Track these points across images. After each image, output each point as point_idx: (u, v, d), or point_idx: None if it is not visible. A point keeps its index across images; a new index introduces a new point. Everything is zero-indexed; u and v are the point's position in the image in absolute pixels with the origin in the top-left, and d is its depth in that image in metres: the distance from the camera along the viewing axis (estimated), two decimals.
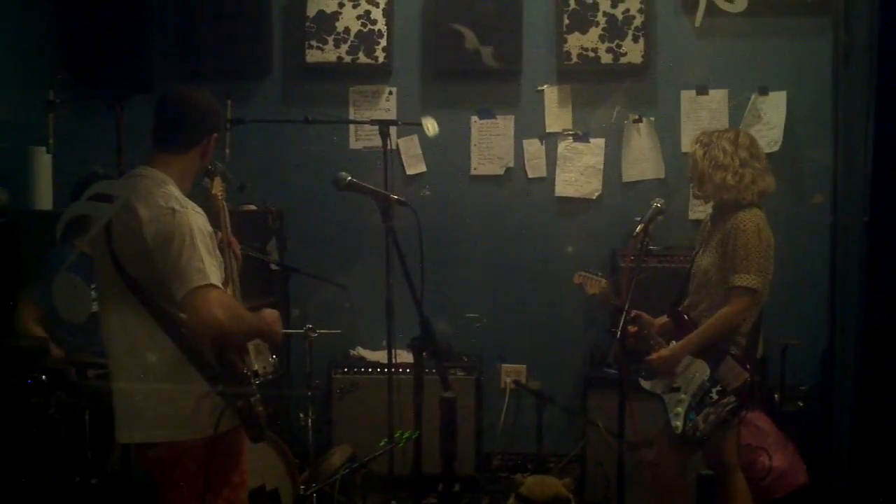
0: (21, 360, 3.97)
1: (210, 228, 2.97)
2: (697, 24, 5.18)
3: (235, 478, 3.07)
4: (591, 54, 5.35)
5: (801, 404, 4.96)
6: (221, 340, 2.86)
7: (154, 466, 3.01)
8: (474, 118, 5.50)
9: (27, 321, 4.30)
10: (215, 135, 3.12)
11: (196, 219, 2.90)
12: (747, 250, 3.92)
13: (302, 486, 4.20)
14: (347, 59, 5.38)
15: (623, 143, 5.47)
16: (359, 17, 5.36)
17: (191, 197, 3.00)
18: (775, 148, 5.24)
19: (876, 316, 3.47)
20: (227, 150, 4.49)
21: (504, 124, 5.50)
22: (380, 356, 5.04)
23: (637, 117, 5.45)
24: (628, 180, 5.48)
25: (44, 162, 5.05)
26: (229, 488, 3.03)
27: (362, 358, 5.29)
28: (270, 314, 3.07)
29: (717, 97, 5.41)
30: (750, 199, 4.00)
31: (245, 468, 3.13)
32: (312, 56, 5.39)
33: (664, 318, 4.19)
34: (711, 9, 5.14)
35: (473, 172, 5.52)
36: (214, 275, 2.83)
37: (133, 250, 2.89)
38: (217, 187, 3.35)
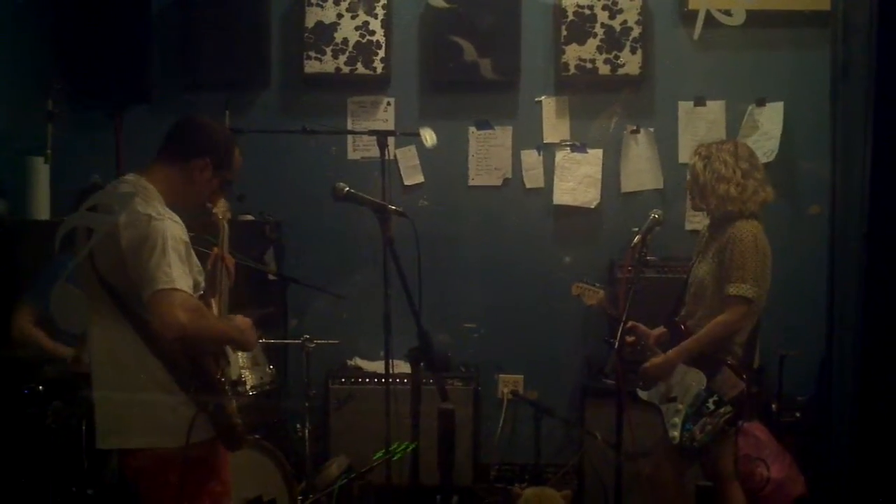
0: (18, 370, 3.97)
1: (186, 238, 2.97)
2: (696, 37, 5.17)
3: (216, 487, 3.05)
4: (589, 65, 5.36)
5: (798, 415, 4.95)
6: (185, 343, 2.86)
7: (134, 474, 3.01)
8: (472, 129, 5.50)
9: (25, 330, 4.30)
10: (207, 159, 3.09)
11: (172, 227, 2.91)
12: (744, 260, 3.92)
13: (299, 497, 4.19)
14: (346, 69, 5.38)
15: (621, 154, 5.47)
16: (357, 28, 5.37)
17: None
18: (771, 158, 5.24)
19: (874, 326, 3.47)
20: None
21: (502, 135, 5.50)
22: (377, 366, 5.03)
23: (635, 128, 5.46)
24: (627, 191, 5.48)
25: (42, 172, 5.06)
26: (209, 499, 3.02)
27: (360, 368, 5.27)
28: (242, 321, 3.10)
29: (715, 108, 5.42)
30: (752, 210, 4.01)
31: (227, 478, 3.11)
32: (311, 67, 5.39)
33: (661, 329, 4.20)
34: (709, 21, 5.14)
35: (471, 183, 5.52)
36: (182, 280, 2.84)
37: (110, 256, 2.90)
38: (221, 207, 3.36)
